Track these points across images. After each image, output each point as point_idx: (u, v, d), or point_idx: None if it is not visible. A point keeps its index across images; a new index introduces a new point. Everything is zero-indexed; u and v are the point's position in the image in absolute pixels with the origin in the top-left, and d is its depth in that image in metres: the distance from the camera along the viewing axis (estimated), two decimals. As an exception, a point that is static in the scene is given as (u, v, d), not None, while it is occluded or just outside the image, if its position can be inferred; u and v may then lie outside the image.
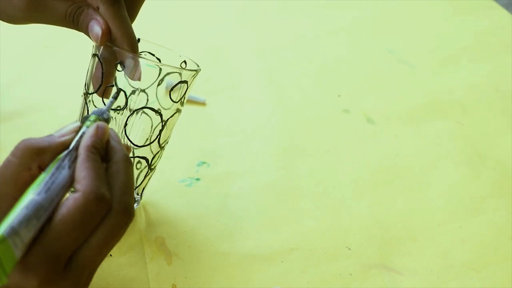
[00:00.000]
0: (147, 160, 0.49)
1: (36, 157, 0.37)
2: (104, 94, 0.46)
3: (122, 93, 0.45)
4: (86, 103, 0.47)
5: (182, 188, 0.58)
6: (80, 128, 0.39)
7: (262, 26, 0.82)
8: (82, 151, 0.38)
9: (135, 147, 0.47)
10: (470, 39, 0.82)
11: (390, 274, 0.52)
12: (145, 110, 0.47)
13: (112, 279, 0.48)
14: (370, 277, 0.52)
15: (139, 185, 0.51)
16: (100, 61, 0.45)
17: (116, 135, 0.40)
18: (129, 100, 0.46)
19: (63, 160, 0.37)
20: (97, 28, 0.43)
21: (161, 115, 0.47)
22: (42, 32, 0.74)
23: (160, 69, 0.45)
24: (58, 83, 0.68)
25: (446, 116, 0.69)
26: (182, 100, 0.49)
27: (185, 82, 0.47)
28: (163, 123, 0.48)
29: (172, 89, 0.47)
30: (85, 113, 0.47)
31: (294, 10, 0.85)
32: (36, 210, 0.34)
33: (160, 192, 0.57)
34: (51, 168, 0.37)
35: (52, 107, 0.65)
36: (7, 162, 0.36)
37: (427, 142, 0.66)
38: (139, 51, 0.46)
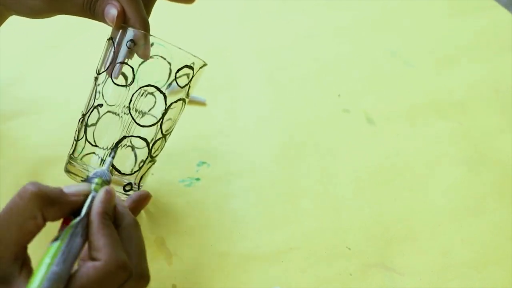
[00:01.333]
0: (147, 142, 0.49)
1: (43, 207, 0.37)
2: (113, 73, 0.48)
3: (130, 70, 0.47)
4: (95, 85, 0.49)
5: (182, 188, 0.58)
6: (89, 192, 0.40)
7: (262, 27, 0.82)
8: (95, 218, 0.38)
9: (136, 125, 0.48)
10: (470, 39, 0.82)
11: (390, 274, 0.52)
12: (149, 88, 0.48)
13: (112, 279, 0.48)
14: (370, 277, 0.52)
15: (138, 170, 0.50)
16: (113, 42, 0.47)
17: (120, 199, 0.41)
18: (136, 77, 0.47)
19: (76, 227, 0.38)
20: (113, 10, 0.46)
21: (164, 95, 0.48)
22: (45, 32, 0.74)
23: (168, 50, 0.47)
24: (60, 83, 0.68)
25: (446, 116, 0.69)
26: (187, 89, 0.49)
27: (191, 67, 0.48)
28: (166, 105, 0.48)
29: (178, 71, 0.48)
30: (95, 96, 0.48)
31: (294, 10, 0.85)
32: (56, 282, 0.35)
33: (160, 192, 0.57)
34: (65, 236, 0.37)
35: (53, 107, 0.65)
36: (13, 204, 0.37)
37: (427, 142, 0.66)
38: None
